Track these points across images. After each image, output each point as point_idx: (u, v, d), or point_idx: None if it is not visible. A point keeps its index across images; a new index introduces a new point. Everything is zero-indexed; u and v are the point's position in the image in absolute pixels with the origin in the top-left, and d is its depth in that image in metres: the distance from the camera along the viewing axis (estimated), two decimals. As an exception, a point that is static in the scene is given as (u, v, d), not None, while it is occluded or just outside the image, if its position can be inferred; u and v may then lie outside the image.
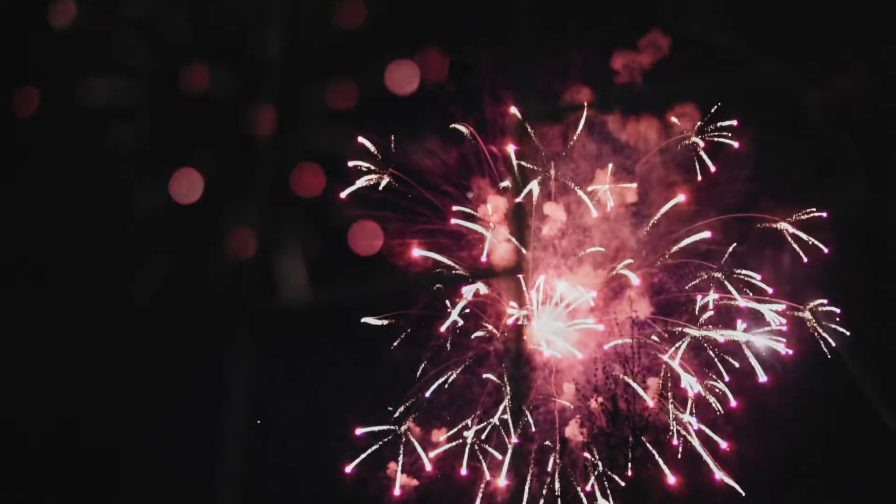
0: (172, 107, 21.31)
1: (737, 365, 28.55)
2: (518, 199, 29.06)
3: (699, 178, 29.30)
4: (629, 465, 27.85)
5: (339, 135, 25.51)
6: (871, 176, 28.08)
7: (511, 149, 29.01)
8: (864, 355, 27.71)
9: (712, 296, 28.86)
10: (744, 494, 28.21)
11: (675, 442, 28.11)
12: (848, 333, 28.35)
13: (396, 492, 27.88)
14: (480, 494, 28.10)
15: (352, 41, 23.02)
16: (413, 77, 23.74)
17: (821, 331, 28.63)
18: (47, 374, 26.51)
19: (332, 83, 22.84)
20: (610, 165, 29.32)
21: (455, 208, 29.24)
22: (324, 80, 23.44)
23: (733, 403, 28.26)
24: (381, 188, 28.97)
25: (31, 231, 24.01)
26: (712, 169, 29.26)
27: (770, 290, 28.86)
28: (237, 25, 21.45)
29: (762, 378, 28.32)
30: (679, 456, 28.17)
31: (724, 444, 28.06)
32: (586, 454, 28.02)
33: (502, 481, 27.92)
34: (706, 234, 28.83)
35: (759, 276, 28.98)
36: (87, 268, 24.05)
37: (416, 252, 28.94)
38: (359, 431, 28.24)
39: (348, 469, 28.10)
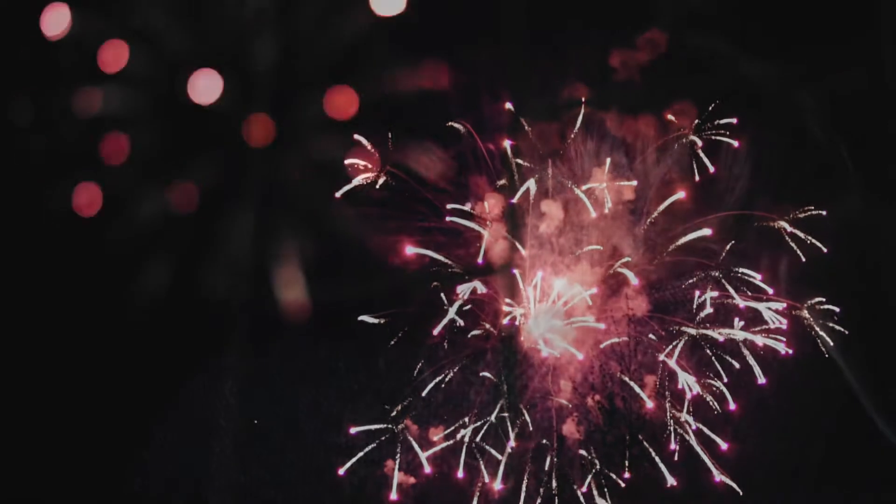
0: (170, 115, 21.06)
1: (737, 365, 28.70)
2: (513, 200, 28.99)
3: (697, 178, 29.38)
4: (626, 463, 27.95)
5: (336, 135, 25.29)
6: (869, 175, 28.20)
7: (507, 144, 28.94)
8: (858, 356, 27.85)
9: (710, 294, 28.89)
10: (741, 493, 28.41)
11: (672, 440, 28.26)
12: (846, 332, 28.60)
13: (393, 495, 27.89)
14: (477, 493, 28.13)
15: (350, 43, 22.74)
16: (412, 81, 23.57)
17: (818, 329, 28.71)
18: (45, 378, 26.39)
19: (331, 86, 22.60)
20: (608, 162, 29.30)
21: (450, 206, 29.15)
22: (323, 83, 23.17)
23: (732, 406, 28.40)
24: (377, 186, 28.89)
25: (30, 238, 23.79)
26: (711, 169, 29.30)
27: (770, 291, 28.95)
28: (235, 34, 21.20)
29: (761, 379, 28.40)
30: (676, 457, 28.34)
31: (723, 446, 28.25)
32: (583, 452, 28.09)
33: (499, 481, 27.99)
34: (707, 232, 28.78)
35: (759, 276, 29.05)
36: (85, 274, 23.90)
37: (412, 250, 28.88)
38: (354, 430, 28.26)
39: (341, 471, 28.12)
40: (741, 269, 28.96)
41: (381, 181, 28.88)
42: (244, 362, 26.22)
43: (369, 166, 28.82)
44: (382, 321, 28.72)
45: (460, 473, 28.21)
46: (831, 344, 28.33)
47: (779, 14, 28.17)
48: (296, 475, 28.39)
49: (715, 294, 28.74)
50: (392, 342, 28.68)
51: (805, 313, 28.66)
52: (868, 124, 28.46)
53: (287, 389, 28.66)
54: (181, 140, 21.24)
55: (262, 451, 28.46)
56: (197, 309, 23.47)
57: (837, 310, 28.65)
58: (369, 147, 28.75)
